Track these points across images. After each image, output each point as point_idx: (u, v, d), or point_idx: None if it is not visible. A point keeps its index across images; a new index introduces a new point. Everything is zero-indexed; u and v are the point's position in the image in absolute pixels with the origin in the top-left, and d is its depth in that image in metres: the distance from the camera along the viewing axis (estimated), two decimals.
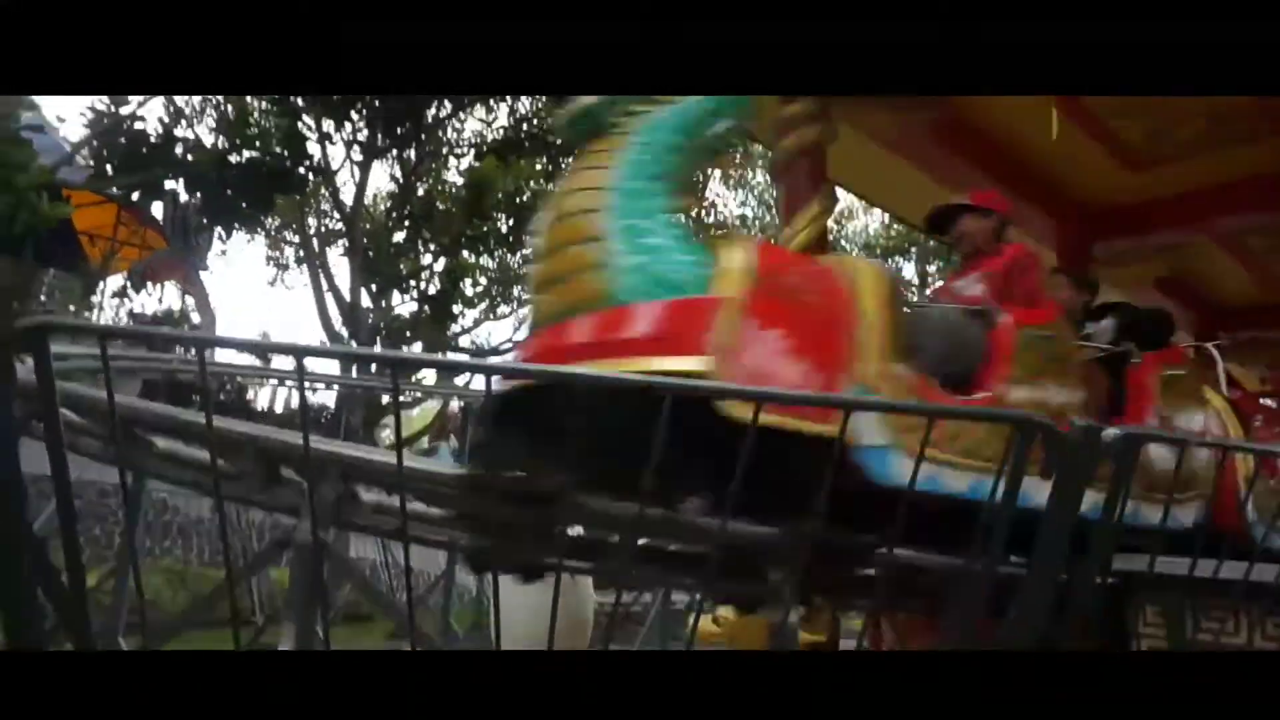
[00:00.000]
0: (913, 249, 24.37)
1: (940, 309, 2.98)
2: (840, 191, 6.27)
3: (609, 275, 2.27)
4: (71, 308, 16.14)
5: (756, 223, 24.99)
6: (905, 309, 2.63)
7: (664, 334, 2.19)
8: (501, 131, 18.10)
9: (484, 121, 18.98)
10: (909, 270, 26.10)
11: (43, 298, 15.76)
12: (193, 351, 13.39)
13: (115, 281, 16.30)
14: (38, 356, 1.53)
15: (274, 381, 13.85)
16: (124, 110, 10.21)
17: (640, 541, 2.41)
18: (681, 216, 2.58)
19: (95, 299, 15.92)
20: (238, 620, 1.83)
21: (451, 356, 19.01)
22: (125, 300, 15.92)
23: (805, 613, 3.72)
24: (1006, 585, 1.85)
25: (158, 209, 15.61)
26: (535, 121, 17.44)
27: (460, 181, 18.15)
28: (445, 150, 19.35)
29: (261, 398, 17.60)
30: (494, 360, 19.93)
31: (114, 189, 13.24)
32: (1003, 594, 2.19)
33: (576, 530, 2.46)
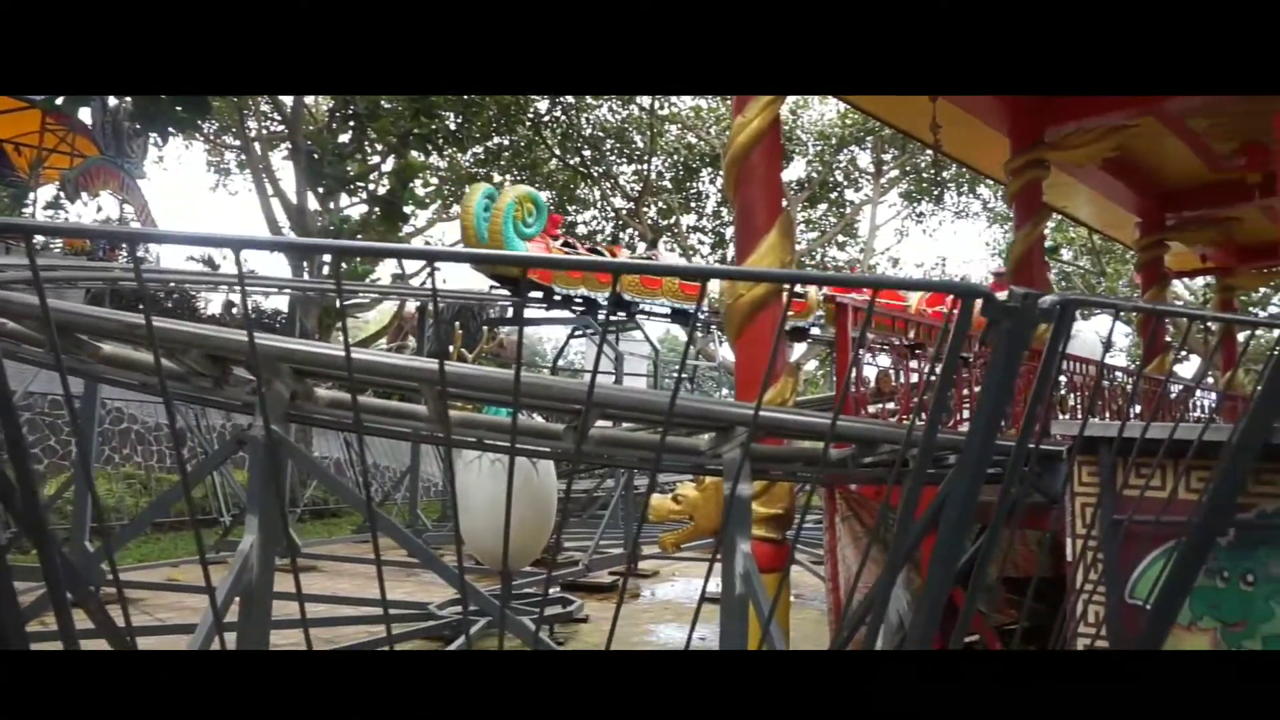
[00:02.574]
0: (867, 139, 24.20)
1: None
2: None
3: None
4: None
5: (712, 114, 24.55)
6: None
7: None
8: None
9: None
10: (864, 159, 25.95)
11: None
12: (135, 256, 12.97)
13: (47, 192, 15.67)
14: None
15: (224, 287, 13.58)
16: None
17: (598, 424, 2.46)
18: None
19: (27, 210, 15.30)
20: (195, 518, 1.84)
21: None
22: (60, 211, 15.31)
23: (762, 486, 3.87)
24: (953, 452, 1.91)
25: (86, 115, 14.90)
26: None
27: None
28: None
29: (214, 304, 17.28)
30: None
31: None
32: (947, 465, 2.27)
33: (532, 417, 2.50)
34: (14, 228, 1.36)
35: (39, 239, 13.13)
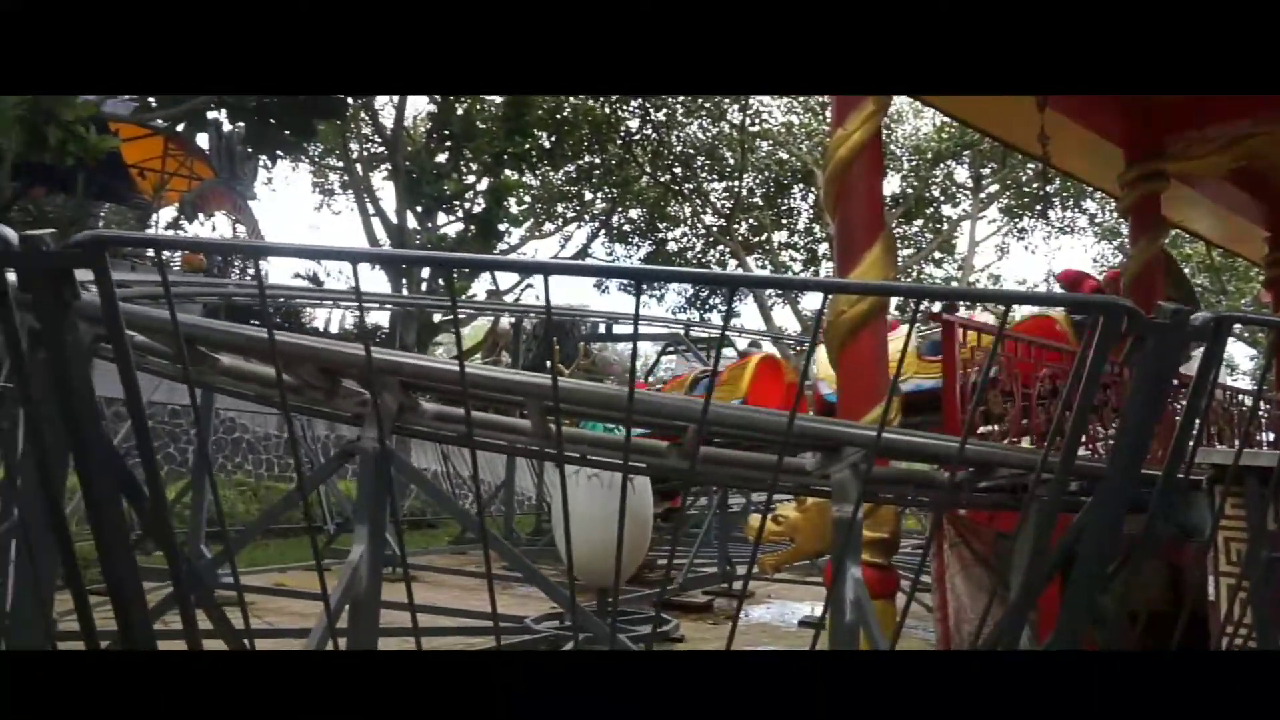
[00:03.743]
0: (965, 153, 23.57)
1: None
2: None
3: None
4: None
5: (803, 130, 24.33)
6: None
7: None
8: None
9: None
10: (961, 174, 25.29)
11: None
12: (248, 276, 13.60)
13: (167, 213, 16.59)
14: (97, 270, 1.54)
15: (329, 303, 14.08)
16: None
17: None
18: None
19: (150, 231, 16.20)
20: (311, 526, 1.86)
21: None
22: (179, 231, 16.18)
23: (868, 509, 3.74)
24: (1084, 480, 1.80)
25: (203, 140, 15.72)
26: None
27: (499, 100, 17.90)
28: None
29: (318, 319, 17.92)
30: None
31: (159, 121, 13.34)
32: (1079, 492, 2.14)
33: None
34: (145, 241, 1.40)
35: (161, 255, 13.87)
